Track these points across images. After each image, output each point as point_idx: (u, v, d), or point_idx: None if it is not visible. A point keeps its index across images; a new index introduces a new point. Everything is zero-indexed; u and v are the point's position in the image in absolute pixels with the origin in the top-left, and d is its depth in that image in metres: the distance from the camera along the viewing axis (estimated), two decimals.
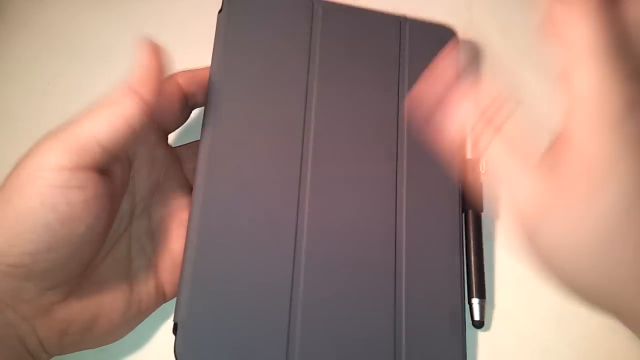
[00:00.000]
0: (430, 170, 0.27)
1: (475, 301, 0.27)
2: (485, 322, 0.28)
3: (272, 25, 0.28)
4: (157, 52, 0.24)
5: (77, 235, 0.22)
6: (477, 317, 0.27)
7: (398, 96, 0.28)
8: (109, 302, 0.25)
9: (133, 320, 0.26)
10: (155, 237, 0.27)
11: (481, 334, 0.28)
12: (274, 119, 0.27)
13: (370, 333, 0.24)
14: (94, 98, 0.34)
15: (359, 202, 0.26)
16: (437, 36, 0.29)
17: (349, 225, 0.25)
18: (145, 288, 0.26)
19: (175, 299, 0.24)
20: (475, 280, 0.27)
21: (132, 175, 0.26)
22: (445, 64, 0.27)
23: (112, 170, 0.24)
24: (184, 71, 0.27)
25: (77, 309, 0.23)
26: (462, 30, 0.30)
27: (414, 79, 0.28)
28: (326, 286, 0.24)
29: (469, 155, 0.28)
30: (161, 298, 0.26)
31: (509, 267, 0.29)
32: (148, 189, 0.27)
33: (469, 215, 0.28)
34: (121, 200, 0.26)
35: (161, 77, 0.24)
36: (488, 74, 0.32)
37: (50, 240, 0.21)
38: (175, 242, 0.26)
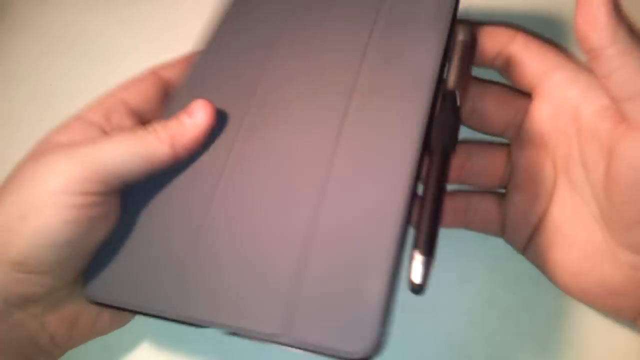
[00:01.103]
0: (388, 104, 0.24)
1: (418, 258, 0.21)
2: (484, 322, 0.28)
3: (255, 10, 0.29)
4: (211, 118, 0.24)
5: (94, 244, 0.23)
6: (416, 279, 0.20)
7: (371, 33, 0.26)
8: None
9: None
10: None
11: (478, 334, 0.28)
12: (230, 75, 0.26)
13: (266, 284, 0.21)
14: (96, 98, 0.35)
15: (294, 144, 0.24)
16: None
17: (275, 169, 0.24)
18: None
19: None
20: (425, 231, 0.21)
21: None
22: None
23: None
24: (165, 64, 0.28)
25: (84, 301, 0.23)
26: None
27: (394, 14, 0.26)
28: (232, 232, 0.23)
29: (450, 85, 0.25)
30: None
31: (506, 264, 0.29)
32: None
33: (434, 152, 0.23)
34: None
35: (201, 141, 0.24)
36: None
37: (70, 252, 0.22)
38: None
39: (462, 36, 0.25)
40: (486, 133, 0.28)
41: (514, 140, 0.27)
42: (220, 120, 0.25)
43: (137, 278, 0.23)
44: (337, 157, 0.23)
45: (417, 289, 0.21)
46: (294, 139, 0.24)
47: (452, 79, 0.25)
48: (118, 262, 0.23)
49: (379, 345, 0.19)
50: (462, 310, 0.28)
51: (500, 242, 0.28)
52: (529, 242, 0.26)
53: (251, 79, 0.26)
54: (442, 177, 0.23)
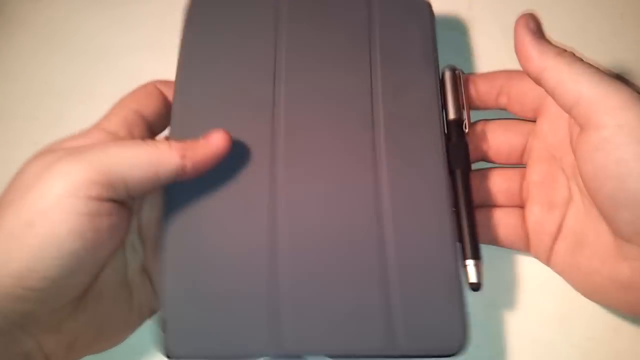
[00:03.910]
0: (410, 134, 0.26)
1: (470, 263, 0.26)
2: (487, 324, 0.28)
3: (238, 10, 0.28)
4: (226, 145, 0.24)
5: (99, 258, 0.22)
6: (472, 279, 0.25)
7: (370, 66, 0.27)
8: (112, 310, 0.24)
9: (135, 324, 0.25)
10: (145, 239, 0.26)
11: (482, 336, 0.28)
12: (242, 100, 0.26)
13: (359, 309, 0.23)
14: (91, 97, 0.35)
15: (335, 172, 0.25)
16: (409, 5, 0.29)
17: (326, 197, 0.25)
18: (144, 292, 0.25)
19: None
20: (468, 241, 0.26)
21: None
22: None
23: None
24: (163, 81, 0.27)
25: (83, 322, 0.23)
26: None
27: (386, 48, 0.28)
28: (307, 264, 0.24)
29: (451, 116, 0.28)
30: (159, 301, 0.26)
31: (510, 267, 0.29)
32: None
33: (456, 175, 0.27)
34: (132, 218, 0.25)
35: (212, 164, 0.24)
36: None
37: (74, 266, 0.21)
38: None
39: (448, 72, 0.29)
40: (504, 165, 0.30)
41: (527, 161, 0.29)
42: (248, 146, 0.25)
43: (221, 325, 0.22)
44: (382, 184, 0.25)
45: (476, 287, 0.26)
46: (334, 169, 0.25)
47: (452, 109, 0.28)
48: (196, 313, 0.23)
49: (466, 339, 0.23)
50: None
51: None
52: (550, 252, 0.27)
53: (264, 106, 0.26)
54: (469, 192, 0.27)
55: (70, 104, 0.34)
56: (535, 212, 0.27)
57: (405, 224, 0.24)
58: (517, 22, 0.26)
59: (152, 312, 0.26)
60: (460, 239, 0.26)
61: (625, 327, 0.27)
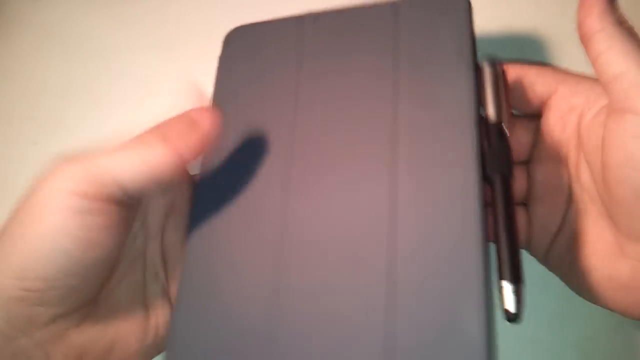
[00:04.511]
0: (437, 144, 0.24)
1: (506, 286, 0.21)
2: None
3: (265, 51, 0.28)
4: (214, 122, 0.23)
5: (93, 259, 0.21)
6: (509, 307, 0.21)
7: (396, 78, 0.26)
8: (126, 328, 0.24)
9: (150, 349, 0.25)
10: (168, 263, 0.26)
11: None
12: (261, 132, 0.26)
13: (361, 350, 0.21)
14: (89, 96, 0.35)
15: (350, 197, 0.24)
16: (443, 6, 0.27)
17: (339, 223, 0.24)
18: (162, 315, 0.25)
19: None
20: (508, 259, 0.22)
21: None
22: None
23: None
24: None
25: (93, 335, 0.23)
26: None
27: (415, 55, 0.26)
28: (314, 302, 0.23)
29: (491, 118, 0.25)
30: None
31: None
32: (163, 211, 0.26)
33: (494, 181, 0.24)
34: (133, 221, 0.25)
35: (206, 137, 0.23)
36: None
37: (67, 265, 0.21)
38: None
39: (489, 68, 0.26)
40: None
41: (531, 157, 0.28)
42: (264, 169, 0.25)
43: (221, 352, 0.22)
44: (400, 202, 0.23)
45: (514, 318, 0.21)
46: (352, 192, 0.24)
47: (491, 111, 0.25)
48: (195, 342, 0.22)
49: None
50: None
51: None
52: (548, 251, 0.27)
53: (284, 130, 0.26)
54: (510, 203, 0.23)
55: (68, 103, 0.34)
56: (538, 211, 0.27)
57: (422, 242, 0.22)
58: None
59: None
60: (498, 257, 0.22)
61: (624, 327, 0.27)
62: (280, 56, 0.28)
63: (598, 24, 0.23)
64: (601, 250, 0.24)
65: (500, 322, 0.27)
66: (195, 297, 0.24)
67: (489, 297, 0.20)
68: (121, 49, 0.35)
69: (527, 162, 0.28)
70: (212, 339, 0.23)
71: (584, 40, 0.24)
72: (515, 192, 0.27)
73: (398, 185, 0.24)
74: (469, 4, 0.27)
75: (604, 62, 0.23)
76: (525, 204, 0.28)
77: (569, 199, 0.26)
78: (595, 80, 0.24)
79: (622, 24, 0.23)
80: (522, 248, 0.28)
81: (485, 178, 0.23)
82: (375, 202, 0.24)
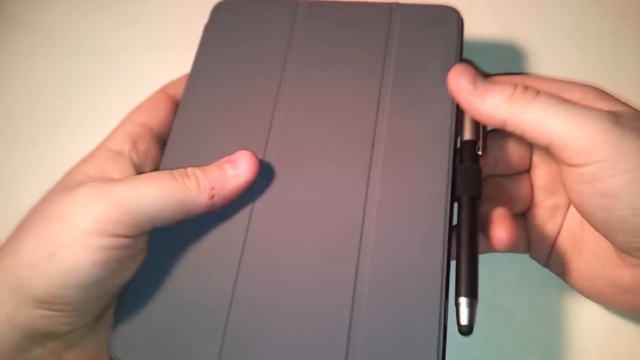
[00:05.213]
0: (413, 154, 0.24)
1: (463, 301, 0.22)
2: (487, 324, 0.28)
3: (253, 28, 0.28)
4: (254, 172, 0.23)
5: (121, 282, 0.22)
6: (463, 321, 0.21)
7: (381, 81, 0.26)
8: None
9: None
10: None
11: (482, 336, 0.28)
12: (240, 118, 0.26)
13: (319, 342, 0.21)
14: (89, 96, 0.34)
15: (322, 199, 0.24)
16: (435, 18, 0.27)
17: (307, 217, 0.24)
18: None
19: None
20: (466, 275, 0.22)
21: None
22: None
23: None
24: (172, 82, 0.27)
25: (106, 336, 0.23)
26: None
27: (402, 62, 0.26)
28: (272, 287, 0.22)
29: (466, 136, 0.26)
30: None
31: (510, 267, 0.29)
32: None
33: (462, 201, 0.24)
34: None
35: (240, 193, 0.23)
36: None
37: (97, 293, 0.21)
38: None
39: None
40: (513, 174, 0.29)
41: (531, 165, 0.28)
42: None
43: (169, 336, 0.22)
44: (370, 209, 0.23)
45: (467, 331, 0.21)
46: (324, 189, 0.24)
47: (468, 129, 0.26)
48: (147, 318, 0.22)
49: None
50: None
51: None
52: (550, 254, 0.27)
53: (263, 121, 0.26)
54: (473, 224, 0.23)
55: (68, 102, 0.34)
56: (538, 216, 0.27)
57: (388, 252, 0.22)
58: (449, 77, 0.24)
59: None
60: (457, 273, 0.22)
61: (625, 327, 0.27)
62: (268, 36, 0.28)
63: (497, 119, 0.23)
64: (602, 256, 0.25)
65: (499, 325, 0.27)
66: (149, 281, 0.23)
67: (444, 309, 0.21)
68: (121, 49, 0.35)
69: (529, 170, 0.28)
70: (157, 319, 0.22)
71: (501, 129, 0.24)
72: (520, 199, 0.28)
73: (370, 189, 0.24)
74: (461, 20, 0.27)
75: (531, 140, 0.23)
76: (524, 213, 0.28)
77: (568, 204, 0.27)
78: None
79: (512, 100, 0.23)
80: (523, 253, 0.28)
81: (454, 197, 0.24)
82: (346, 203, 0.24)
